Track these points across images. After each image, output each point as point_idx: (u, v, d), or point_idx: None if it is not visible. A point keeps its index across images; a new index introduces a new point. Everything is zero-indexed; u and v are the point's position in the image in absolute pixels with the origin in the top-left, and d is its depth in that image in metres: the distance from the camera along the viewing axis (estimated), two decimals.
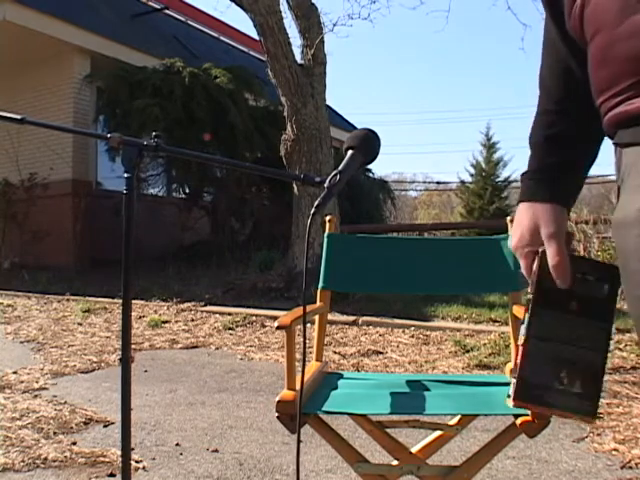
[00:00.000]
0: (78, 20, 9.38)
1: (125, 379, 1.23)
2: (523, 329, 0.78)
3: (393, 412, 1.39)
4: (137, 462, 2.17)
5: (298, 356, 1.51)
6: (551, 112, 0.87)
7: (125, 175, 1.24)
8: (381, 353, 4.07)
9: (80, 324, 5.27)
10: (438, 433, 1.57)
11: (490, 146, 17.20)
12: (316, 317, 1.81)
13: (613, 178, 0.76)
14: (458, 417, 1.53)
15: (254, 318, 5.26)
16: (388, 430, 1.49)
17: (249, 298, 6.16)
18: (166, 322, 5.30)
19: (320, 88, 6.82)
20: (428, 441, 1.58)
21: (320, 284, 1.81)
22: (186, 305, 5.99)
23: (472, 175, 17.26)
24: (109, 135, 1.26)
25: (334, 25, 7.10)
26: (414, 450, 1.53)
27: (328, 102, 7.13)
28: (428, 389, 1.57)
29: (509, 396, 0.79)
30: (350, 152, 1.14)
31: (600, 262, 0.81)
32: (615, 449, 2.28)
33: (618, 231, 0.72)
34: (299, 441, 0.93)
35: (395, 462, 1.46)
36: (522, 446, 2.31)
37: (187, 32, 13.61)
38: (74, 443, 2.37)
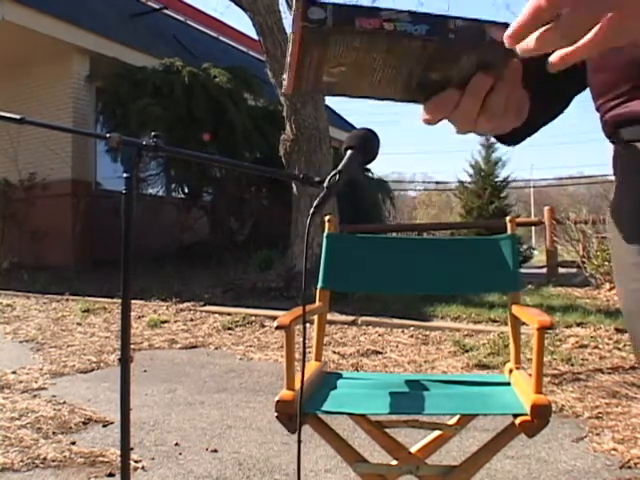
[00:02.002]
0: (77, 20, 9.37)
1: (124, 379, 1.23)
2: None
3: (392, 412, 1.39)
4: (136, 462, 2.17)
5: (297, 356, 1.51)
6: None
7: (124, 175, 1.24)
8: (380, 353, 4.07)
9: (79, 324, 5.27)
10: (437, 433, 1.57)
11: (489, 146, 17.19)
12: (315, 317, 1.81)
13: (612, 178, 0.77)
14: (457, 417, 1.53)
15: (253, 318, 5.26)
16: (387, 430, 1.49)
17: (248, 298, 6.16)
18: (165, 322, 5.30)
19: None
20: (427, 441, 1.58)
21: (319, 284, 1.81)
22: (185, 305, 5.98)
23: (471, 175, 17.24)
24: (108, 135, 1.26)
25: None
26: (413, 450, 1.53)
27: (327, 102, 7.14)
28: (427, 389, 1.57)
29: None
30: (349, 152, 1.14)
31: None
32: (614, 449, 2.28)
33: (611, 225, 0.73)
34: (299, 440, 0.93)
35: (394, 462, 1.47)
36: (521, 446, 2.31)
37: (187, 32, 13.61)
38: (73, 443, 2.37)
